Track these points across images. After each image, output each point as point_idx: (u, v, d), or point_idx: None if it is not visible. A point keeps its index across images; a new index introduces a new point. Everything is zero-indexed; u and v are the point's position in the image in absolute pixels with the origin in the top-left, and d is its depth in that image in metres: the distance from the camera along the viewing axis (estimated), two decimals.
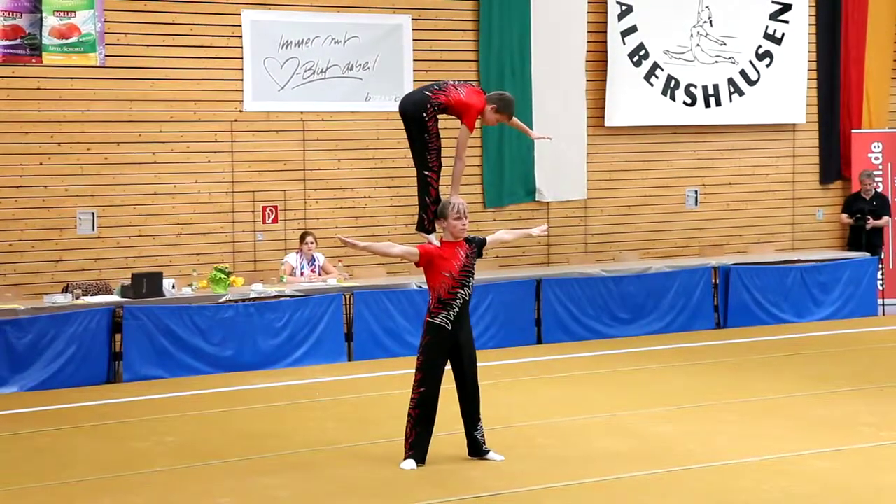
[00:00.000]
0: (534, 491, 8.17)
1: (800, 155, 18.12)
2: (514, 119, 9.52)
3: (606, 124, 16.76)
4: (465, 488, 8.24)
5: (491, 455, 8.95)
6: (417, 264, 8.94)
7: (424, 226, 9.14)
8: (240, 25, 14.79)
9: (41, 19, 13.72)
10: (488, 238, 9.15)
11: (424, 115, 8.99)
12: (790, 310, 16.16)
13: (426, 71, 15.44)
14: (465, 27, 15.94)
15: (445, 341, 8.81)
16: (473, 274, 8.93)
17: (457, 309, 8.81)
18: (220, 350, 13.10)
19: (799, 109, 17.86)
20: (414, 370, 8.89)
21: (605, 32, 16.63)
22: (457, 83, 9.19)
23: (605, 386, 12.12)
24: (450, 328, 8.79)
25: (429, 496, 8.05)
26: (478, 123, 9.28)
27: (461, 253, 8.87)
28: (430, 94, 9.05)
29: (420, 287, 13.84)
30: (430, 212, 9.05)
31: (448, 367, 8.90)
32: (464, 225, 8.88)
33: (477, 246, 8.98)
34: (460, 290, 8.81)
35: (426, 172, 9.07)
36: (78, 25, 13.91)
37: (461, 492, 8.16)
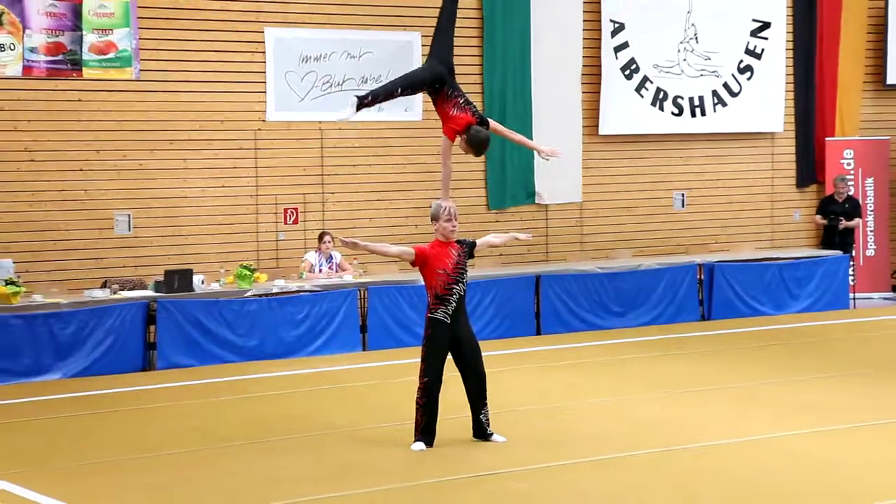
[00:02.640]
0: (534, 469, 8.20)
1: (778, 161, 18.12)
2: (522, 137, 9.59)
3: (600, 133, 16.76)
4: (470, 468, 8.28)
5: (494, 437, 8.98)
6: (413, 263, 8.95)
7: (364, 101, 8.94)
8: (263, 42, 14.82)
9: (81, 37, 13.76)
10: (478, 241, 9.14)
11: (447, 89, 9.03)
12: (769, 303, 16.17)
13: None
14: (470, 44, 15.94)
15: (445, 334, 8.81)
16: (466, 271, 8.92)
17: (454, 303, 8.80)
18: (245, 340, 13.14)
19: (777, 119, 17.86)
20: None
21: (599, 48, 16.65)
22: (464, 103, 9.02)
23: (600, 373, 12.14)
24: (448, 322, 8.80)
25: (437, 474, 8.09)
26: None
27: (453, 252, 8.87)
28: (461, 100, 9.04)
29: None
30: (382, 98, 9.03)
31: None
32: (454, 227, 8.87)
33: (468, 247, 8.98)
34: (455, 286, 8.81)
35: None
36: (115, 42, 13.95)
37: (466, 471, 8.20)
